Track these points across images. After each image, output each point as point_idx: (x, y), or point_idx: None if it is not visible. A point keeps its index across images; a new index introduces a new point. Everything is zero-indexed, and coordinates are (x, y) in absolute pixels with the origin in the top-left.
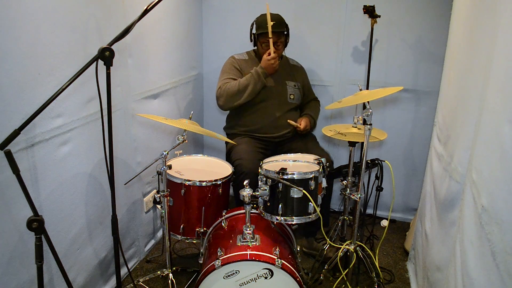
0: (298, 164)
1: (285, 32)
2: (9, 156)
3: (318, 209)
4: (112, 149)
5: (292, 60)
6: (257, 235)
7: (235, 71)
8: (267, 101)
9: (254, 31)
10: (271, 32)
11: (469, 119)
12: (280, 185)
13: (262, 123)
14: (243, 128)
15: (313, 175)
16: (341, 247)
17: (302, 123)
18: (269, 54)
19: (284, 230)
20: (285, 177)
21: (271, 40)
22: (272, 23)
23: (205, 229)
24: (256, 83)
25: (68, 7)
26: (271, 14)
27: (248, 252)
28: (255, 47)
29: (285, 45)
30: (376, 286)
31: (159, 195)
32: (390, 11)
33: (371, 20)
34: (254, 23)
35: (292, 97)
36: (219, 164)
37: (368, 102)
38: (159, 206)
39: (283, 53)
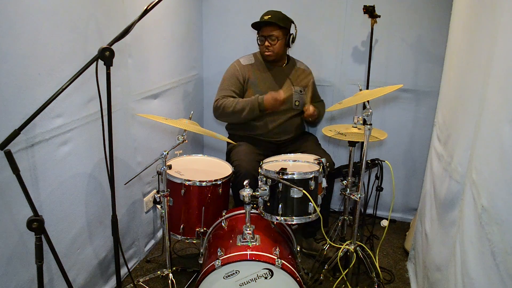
0: (298, 164)
1: (287, 29)
2: (9, 156)
3: (318, 209)
4: (112, 149)
5: (300, 63)
6: (257, 235)
7: (236, 83)
8: None
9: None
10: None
11: (469, 119)
12: (280, 185)
13: (265, 128)
14: (245, 131)
15: (313, 175)
16: (341, 247)
17: (310, 108)
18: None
19: (284, 230)
20: (285, 177)
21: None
22: (267, 16)
23: (205, 229)
24: (252, 111)
25: (68, 7)
26: (272, 10)
27: (248, 252)
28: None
29: (288, 45)
30: (376, 286)
31: (159, 195)
32: (390, 11)
33: (371, 20)
34: None
35: (297, 103)
36: (219, 164)
37: (368, 102)
38: (159, 206)
39: (290, 55)
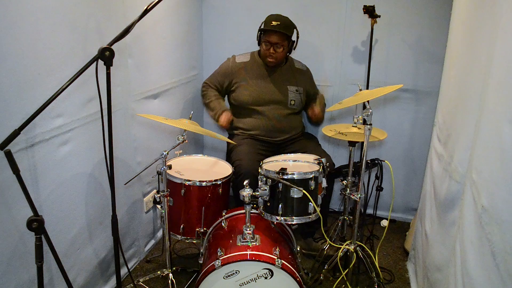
0: (298, 164)
1: (291, 37)
2: (9, 156)
3: (318, 209)
4: (112, 149)
5: (298, 62)
6: (257, 235)
7: (222, 81)
8: (267, 105)
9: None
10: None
11: (469, 119)
12: (280, 185)
13: (262, 127)
14: (244, 130)
15: (313, 175)
16: (341, 247)
17: (316, 109)
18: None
19: (284, 230)
20: (285, 177)
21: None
22: (277, 23)
23: (205, 229)
24: (213, 117)
25: (68, 7)
26: (279, 15)
27: (248, 252)
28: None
29: (290, 51)
30: (376, 286)
31: (159, 195)
32: (390, 11)
33: (371, 20)
34: (264, 22)
35: (292, 102)
36: (219, 164)
37: (368, 101)
38: (159, 206)
39: (289, 55)
